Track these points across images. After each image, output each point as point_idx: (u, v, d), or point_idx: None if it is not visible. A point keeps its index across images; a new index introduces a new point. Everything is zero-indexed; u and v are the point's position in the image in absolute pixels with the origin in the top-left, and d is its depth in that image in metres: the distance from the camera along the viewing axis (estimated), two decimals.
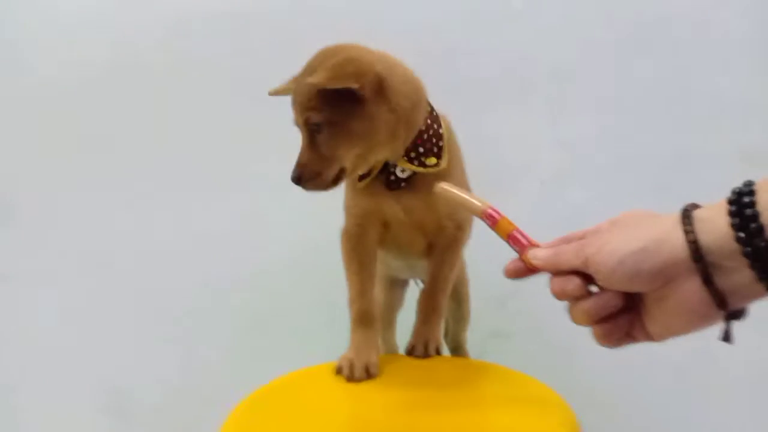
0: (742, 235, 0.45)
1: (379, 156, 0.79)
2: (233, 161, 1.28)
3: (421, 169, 0.79)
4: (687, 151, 1.25)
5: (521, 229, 0.60)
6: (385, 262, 0.94)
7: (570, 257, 0.54)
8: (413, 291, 1.05)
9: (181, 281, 1.28)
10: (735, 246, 0.46)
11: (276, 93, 0.84)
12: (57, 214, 1.29)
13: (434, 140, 0.80)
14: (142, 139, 1.29)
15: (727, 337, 0.51)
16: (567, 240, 0.57)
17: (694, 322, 0.50)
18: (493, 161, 1.25)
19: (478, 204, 0.63)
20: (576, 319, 0.55)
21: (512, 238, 0.60)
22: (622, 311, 0.54)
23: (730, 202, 0.47)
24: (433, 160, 0.80)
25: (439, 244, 0.86)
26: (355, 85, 0.72)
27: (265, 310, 1.28)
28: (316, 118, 0.74)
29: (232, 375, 1.23)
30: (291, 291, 1.28)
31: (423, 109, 0.81)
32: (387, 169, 0.81)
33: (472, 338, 1.07)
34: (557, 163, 1.28)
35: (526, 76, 1.28)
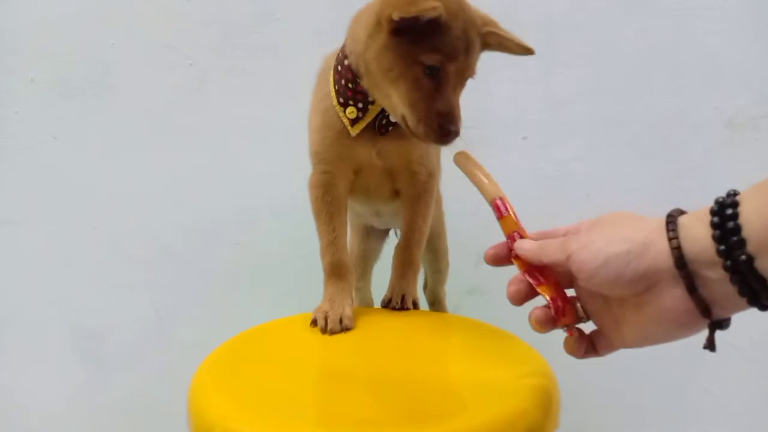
0: (722, 248, 0.45)
1: None
2: (210, 103, 1.25)
3: None
4: (673, 113, 1.24)
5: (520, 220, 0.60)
6: (352, 209, 0.94)
7: (554, 251, 0.54)
8: (390, 242, 1.05)
9: (157, 226, 1.27)
10: (716, 259, 0.45)
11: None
12: (30, 158, 1.26)
13: None
14: (114, 81, 1.25)
15: (711, 346, 0.50)
16: (550, 235, 0.57)
17: (673, 330, 0.50)
18: (476, 114, 1.23)
19: (491, 189, 0.62)
20: (531, 326, 0.56)
21: (511, 238, 0.60)
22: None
23: (713, 212, 0.46)
24: None
25: (410, 193, 0.85)
26: None
27: (243, 257, 1.28)
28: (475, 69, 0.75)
29: (207, 322, 1.24)
30: (268, 238, 1.27)
31: None
32: (381, 113, 0.79)
33: (447, 295, 1.08)
34: (541, 119, 1.27)
35: (515, 29, 1.25)
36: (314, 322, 0.78)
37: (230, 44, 1.24)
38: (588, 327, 0.58)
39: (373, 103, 0.78)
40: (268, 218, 1.26)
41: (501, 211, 0.61)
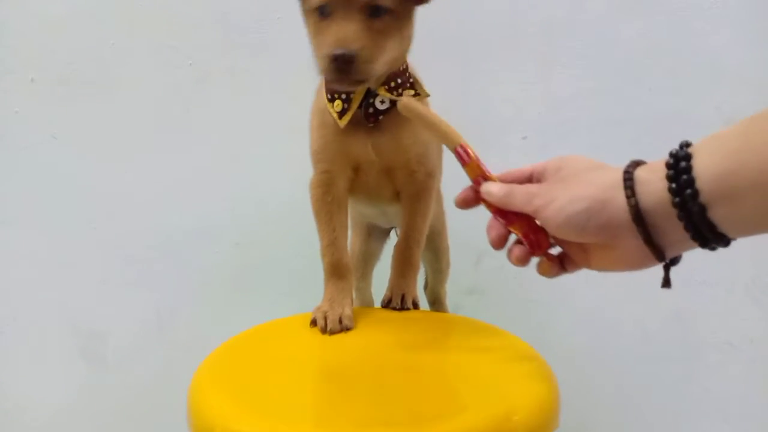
0: (677, 199, 0.48)
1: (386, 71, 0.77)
2: (210, 104, 1.25)
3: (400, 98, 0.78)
4: (672, 112, 1.24)
5: (483, 162, 0.61)
6: (357, 210, 0.94)
7: (520, 202, 0.58)
8: (391, 242, 1.05)
9: (157, 226, 1.27)
10: (671, 210, 0.49)
11: None
12: (30, 158, 1.25)
13: (407, 75, 0.80)
14: (114, 81, 1.25)
15: (666, 283, 0.56)
16: (515, 175, 0.61)
17: (634, 266, 0.55)
18: (477, 114, 1.23)
19: (452, 137, 0.63)
20: (511, 262, 0.61)
21: (476, 182, 0.61)
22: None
23: (668, 166, 0.49)
24: (410, 92, 0.79)
25: (409, 193, 0.85)
26: None
27: (243, 257, 1.28)
28: (388, 1, 0.71)
29: (207, 322, 1.24)
30: (268, 238, 1.27)
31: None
32: (366, 101, 0.79)
33: (448, 295, 1.08)
34: (541, 119, 1.27)
35: (515, 30, 1.26)
36: (314, 322, 0.78)
37: (230, 44, 1.24)
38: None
39: (354, 91, 0.78)
40: (267, 218, 1.26)
41: (464, 158, 0.62)
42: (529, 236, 0.59)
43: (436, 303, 1.07)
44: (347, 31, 0.70)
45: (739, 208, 0.47)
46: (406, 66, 0.81)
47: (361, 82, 0.73)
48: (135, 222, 1.26)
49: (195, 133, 1.25)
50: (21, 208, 1.26)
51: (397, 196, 0.87)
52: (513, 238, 0.62)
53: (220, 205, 1.26)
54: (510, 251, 0.61)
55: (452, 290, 1.09)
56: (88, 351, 1.28)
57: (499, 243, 0.62)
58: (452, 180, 0.98)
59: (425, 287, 1.08)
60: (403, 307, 0.85)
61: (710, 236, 0.49)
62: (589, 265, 0.58)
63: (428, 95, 0.82)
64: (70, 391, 1.29)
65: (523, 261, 0.60)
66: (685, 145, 0.50)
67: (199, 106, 1.25)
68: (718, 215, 0.48)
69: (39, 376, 1.28)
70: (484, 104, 1.24)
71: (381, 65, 0.73)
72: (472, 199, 0.63)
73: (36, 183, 1.26)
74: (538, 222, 0.58)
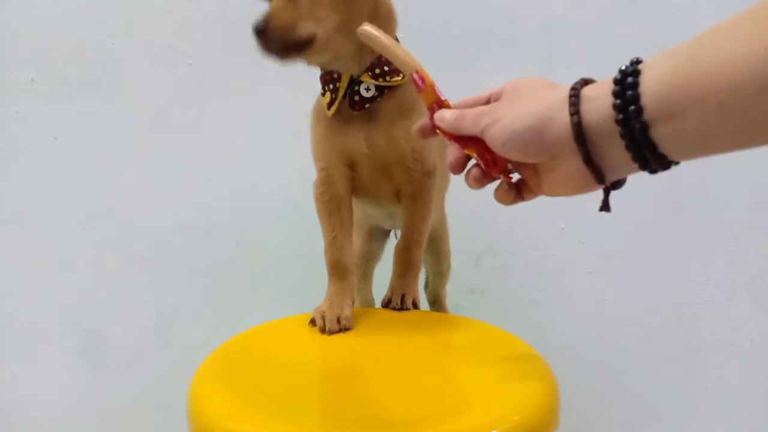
0: (620, 116, 0.47)
1: (347, 49, 0.76)
2: (210, 103, 1.25)
3: (386, 83, 0.78)
4: None
5: (440, 89, 0.61)
6: (363, 210, 0.94)
7: (469, 124, 0.57)
8: (392, 242, 1.05)
9: (157, 226, 1.27)
10: (614, 127, 0.47)
11: None
12: (29, 158, 1.25)
13: None
14: (114, 81, 1.24)
15: (605, 207, 0.55)
16: (475, 102, 0.59)
17: (578, 189, 0.54)
18: None
19: (408, 61, 0.62)
20: (469, 184, 0.60)
21: (431, 110, 0.61)
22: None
23: (616, 81, 0.48)
24: (397, 79, 0.79)
25: (407, 192, 0.85)
26: None
27: (243, 257, 1.28)
28: None
29: (207, 322, 1.24)
30: (268, 238, 1.27)
31: (393, 26, 0.80)
32: (351, 89, 0.79)
33: (448, 295, 1.08)
34: None
35: (515, 30, 1.25)
36: (312, 322, 0.78)
37: (230, 44, 1.24)
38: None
39: (339, 80, 0.79)
40: (268, 218, 1.26)
41: (419, 85, 0.61)
42: (485, 156, 0.57)
43: (436, 303, 1.07)
44: (274, 3, 0.73)
45: (680, 126, 0.45)
46: None
47: (288, 47, 0.73)
48: (135, 222, 1.26)
49: (195, 133, 1.25)
50: (21, 208, 1.26)
51: (398, 196, 0.87)
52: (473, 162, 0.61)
53: (220, 205, 1.26)
54: (468, 173, 0.60)
55: (452, 290, 1.09)
56: (88, 351, 1.28)
57: (457, 167, 0.60)
58: (453, 180, 0.99)
59: (425, 287, 1.08)
60: (402, 307, 0.84)
61: (651, 157, 0.47)
62: (541, 188, 0.57)
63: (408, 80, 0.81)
64: (69, 391, 1.29)
65: (479, 182, 0.59)
66: (635, 61, 0.48)
67: (199, 106, 1.25)
68: (660, 134, 0.46)
69: (39, 376, 1.28)
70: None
71: (307, 29, 0.72)
72: (428, 128, 0.62)
73: (36, 183, 1.26)
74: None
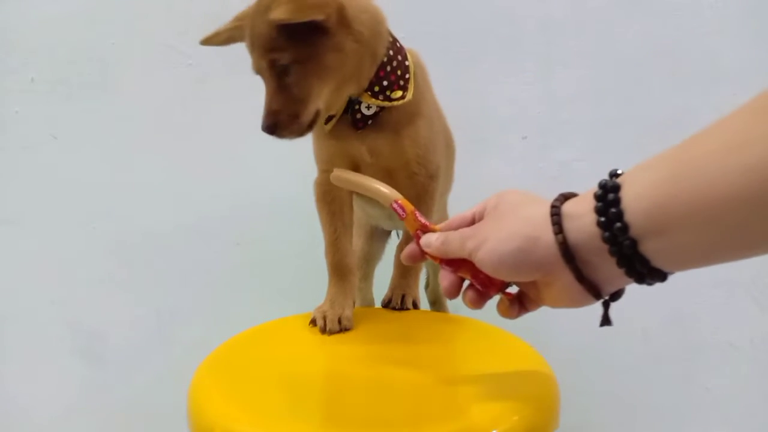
0: (607, 234, 0.45)
1: (348, 91, 0.76)
2: (210, 103, 1.25)
3: (386, 104, 0.77)
4: (674, 112, 1.24)
5: (420, 215, 0.62)
6: (364, 210, 0.93)
7: (456, 248, 0.56)
8: (393, 242, 1.05)
9: (157, 226, 1.26)
10: (602, 245, 0.46)
11: (211, 41, 0.82)
12: (30, 158, 1.25)
13: (399, 72, 0.78)
14: (114, 81, 1.24)
15: (606, 321, 0.54)
16: (457, 223, 0.58)
17: (578, 303, 0.52)
18: (477, 114, 1.23)
19: (387, 193, 0.64)
20: (467, 306, 0.58)
21: (416, 236, 0.61)
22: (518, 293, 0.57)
23: (597, 197, 0.46)
24: (398, 93, 0.77)
25: (410, 195, 0.84)
26: (320, 17, 0.68)
27: (243, 257, 1.28)
28: (283, 58, 0.71)
29: (207, 322, 1.24)
30: (268, 238, 1.27)
31: (384, 39, 0.78)
32: (352, 107, 0.78)
33: None
34: (541, 119, 1.26)
35: (515, 30, 1.26)
36: (313, 322, 0.78)
37: (230, 44, 1.23)
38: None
39: None
40: (268, 218, 1.26)
41: (400, 214, 0.62)
42: (479, 276, 0.56)
43: (437, 303, 1.07)
44: (269, 100, 0.74)
45: (672, 241, 0.43)
46: (398, 64, 0.78)
47: (302, 131, 0.74)
48: (135, 221, 1.26)
49: (195, 133, 1.25)
50: (21, 208, 1.26)
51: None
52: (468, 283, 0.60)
53: (220, 205, 1.26)
54: (464, 294, 0.58)
55: None
56: (88, 351, 1.28)
57: (452, 291, 0.59)
58: (454, 180, 0.99)
59: (426, 287, 1.08)
60: (403, 307, 0.85)
61: (645, 271, 0.46)
62: (543, 301, 0.55)
63: (409, 98, 0.78)
64: (69, 391, 1.28)
65: (476, 303, 0.58)
66: (614, 174, 0.47)
67: (199, 106, 1.25)
68: (651, 250, 0.44)
69: (38, 376, 1.28)
70: (484, 104, 1.24)
71: (311, 112, 0.73)
72: (417, 254, 0.61)
73: (36, 183, 1.25)
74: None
